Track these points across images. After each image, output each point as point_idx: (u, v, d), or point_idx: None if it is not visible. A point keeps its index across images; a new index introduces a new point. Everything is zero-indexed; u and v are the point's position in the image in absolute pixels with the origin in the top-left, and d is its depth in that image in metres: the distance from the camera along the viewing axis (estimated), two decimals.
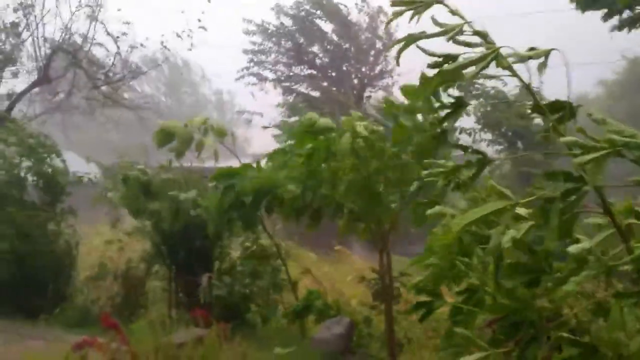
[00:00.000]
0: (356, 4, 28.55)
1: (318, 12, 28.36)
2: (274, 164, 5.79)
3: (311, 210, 5.63)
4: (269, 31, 28.65)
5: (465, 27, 2.31)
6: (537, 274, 2.46)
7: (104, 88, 19.23)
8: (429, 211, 3.00)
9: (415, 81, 2.69)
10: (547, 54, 2.27)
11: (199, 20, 19.73)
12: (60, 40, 18.12)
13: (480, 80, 21.40)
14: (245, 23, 28.38)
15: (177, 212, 8.50)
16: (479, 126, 22.18)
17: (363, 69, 28.85)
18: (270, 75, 29.20)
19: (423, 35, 2.35)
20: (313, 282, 9.40)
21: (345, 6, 28.41)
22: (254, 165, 6.71)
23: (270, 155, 6.21)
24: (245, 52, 28.68)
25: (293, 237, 11.29)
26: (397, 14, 2.40)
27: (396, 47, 2.42)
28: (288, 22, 28.70)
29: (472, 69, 2.27)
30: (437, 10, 2.38)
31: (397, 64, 2.44)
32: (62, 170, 10.89)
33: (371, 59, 28.67)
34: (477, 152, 2.63)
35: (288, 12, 28.50)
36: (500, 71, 2.34)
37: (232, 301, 8.51)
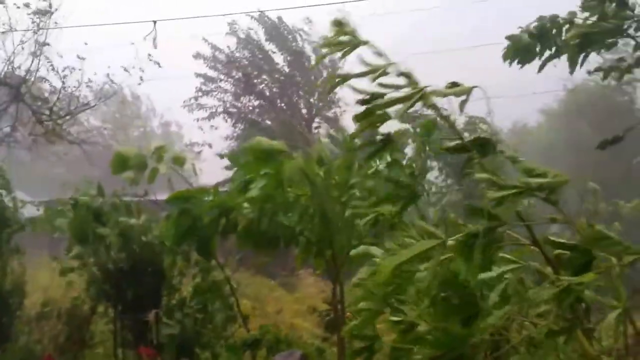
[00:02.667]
0: (300, 34, 28.85)
1: (270, 43, 28.56)
2: (232, 187, 5.66)
3: (268, 237, 5.53)
4: (220, 60, 28.67)
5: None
6: (470, 312, 2.51)
7: (48, 123, 18.80)
8: (353, 252, 2.99)
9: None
10: (469, 91, 2.35)
11: (149, 55, 19.53)
12: (2, 75, 17.71)
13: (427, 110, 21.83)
14: (199, 46, 28.40)
15: (126, 239, 8.27)
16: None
17: (311, 100, 29.03)
18: (219, 107, 29.11)
19: (350, 76, 2.44)
20: (267, 315, 9.26)
21: (299, 34, 28.68)
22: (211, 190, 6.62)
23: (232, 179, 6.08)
24: (198, 75, 28.59)
25: (249, 264, 11.13)
26: (320, 57, 2.60)
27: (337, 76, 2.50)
28: (239, 52, 28.76)
29: (399, 107, 2.35)
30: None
31: (326, 99, 2.54)
32: (9, 206, 10.46)
33: (319, 89, 28.89)
34: (407, 186, 2.66)
35: (239, 38, 28.56)
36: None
37: (182, 338, 8.27)
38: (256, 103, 29.33)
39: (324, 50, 2.53)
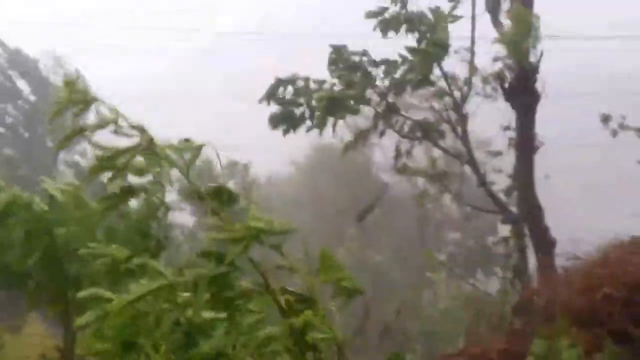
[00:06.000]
0: (53, 65, 27.48)
1: (12, 70, 26.64)
2: None
3: None
4: None
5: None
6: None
7: None
8: (81, 293, 2.89)
9: (110, 142, 2.78)
10: (199, 148, 2.55)
11: None
12: None
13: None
14: None
15: None
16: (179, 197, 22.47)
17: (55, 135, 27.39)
18: None
19: (87, 127, 2.58)
20: None
21: (44, 65, 27.18)
22: None
23: None
24: None
25: None
26: (55, 113, 2.66)
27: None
28: None
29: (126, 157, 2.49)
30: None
31: (57, 150, 2.67)
32: None
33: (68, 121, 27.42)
34: (154, 237, 2.75)
35: None
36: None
37: None
38: None
39: (56, 109, 2.65)
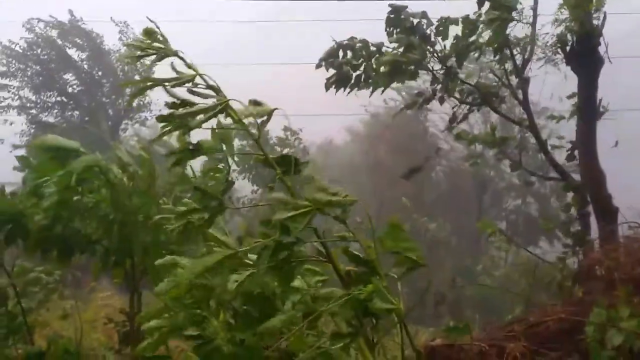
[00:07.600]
0: (120, 32, 27.97)
1: (68, 38, 27.25)
2: (23, 191, 5.20)
3: (60, 244, 5.14)
4: (16, 51, 26.61)
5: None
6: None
7: None
8: (159, 261, 2.94)
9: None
10: (270, 112, 2.49)
11: None
12: None
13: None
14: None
15: None
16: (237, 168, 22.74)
17: (120, 100, 28.00)
18: (12, 100, 26.96)
19: (154, 80, 2.49)
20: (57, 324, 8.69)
21: (99, 34, 27.73)
22: None
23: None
24: None
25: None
26: (132, 60, 2.53)
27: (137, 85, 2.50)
28: (37, 44, 27.00)
29: (201, 117, 2.45)
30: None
31: (130, 105, 2.56)
32: None
33: (128, 90, 27.96)
34: (214, 197, 2.71)
35: (38, 33, 26.84)
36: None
37: None
38: (57, 99, 27.66)
39: (127, 56, 2.54)
